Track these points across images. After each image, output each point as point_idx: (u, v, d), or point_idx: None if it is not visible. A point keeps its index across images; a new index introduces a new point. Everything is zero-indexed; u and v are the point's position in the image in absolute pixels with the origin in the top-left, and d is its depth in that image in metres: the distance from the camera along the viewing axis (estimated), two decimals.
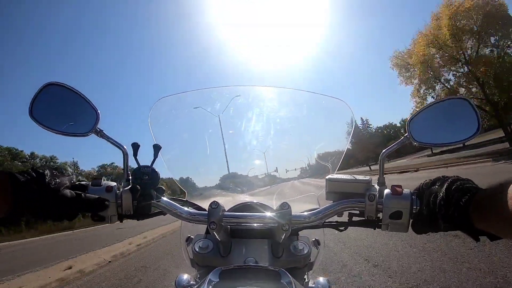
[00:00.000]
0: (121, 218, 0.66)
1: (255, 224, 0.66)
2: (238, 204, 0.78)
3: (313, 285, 0.81)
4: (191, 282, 0.84)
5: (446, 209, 0.53)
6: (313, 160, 0.92)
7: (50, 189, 0.56)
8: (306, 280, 0.81)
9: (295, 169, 0.99)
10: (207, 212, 0.61)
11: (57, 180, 0.58)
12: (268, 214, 0.65)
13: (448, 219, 0.53)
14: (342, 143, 0.86)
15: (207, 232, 0.73)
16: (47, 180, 0.57)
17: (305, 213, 0.67)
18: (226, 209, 0.66)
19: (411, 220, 0.62)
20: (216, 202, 0.62)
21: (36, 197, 0.54)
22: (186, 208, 0.69)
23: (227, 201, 0.81)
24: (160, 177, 0.68)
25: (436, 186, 0.58)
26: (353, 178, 0.69)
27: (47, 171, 0.58)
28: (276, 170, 0.96)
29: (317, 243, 0.81)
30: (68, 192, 0.59)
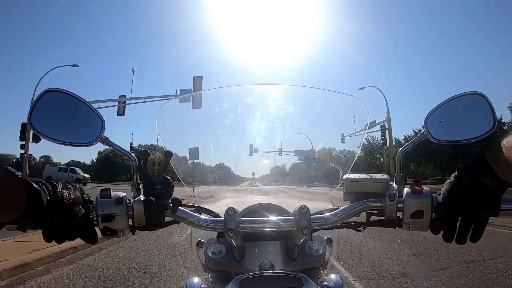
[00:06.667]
0: (133, 230, 0.64)
1: (273, 229, 0.65)
2: (250, 206, 0.76)
3: (327, 283, 0.81)
4: (203, 286, 0.83)
5: (464, 166, 0.58)
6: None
7: (60, 202, 0.56)
8: (320, 279, 0.80)
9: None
10: (222, 218, 0.60)
11: (70, 195, 0.57)
12: (287, 217, 0.64)
13: (469, 171, 0.58)
14: (355, 142, 0.85)
15: (219, 236, 0.72)
16: (58, 192, 0.56)
17: (326, 214, 0.66)
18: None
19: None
20: (233, 208, 0.60)
21: (47, 208, 0.53)
22: (202, 216, 0.67)
23: (237, 203, 0.79)
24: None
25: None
26: (370, 177, 0.68)
27: (59, 184, 0.57)
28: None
29: (329, 241, 0.80)
30: (78, 207, 0.58)
